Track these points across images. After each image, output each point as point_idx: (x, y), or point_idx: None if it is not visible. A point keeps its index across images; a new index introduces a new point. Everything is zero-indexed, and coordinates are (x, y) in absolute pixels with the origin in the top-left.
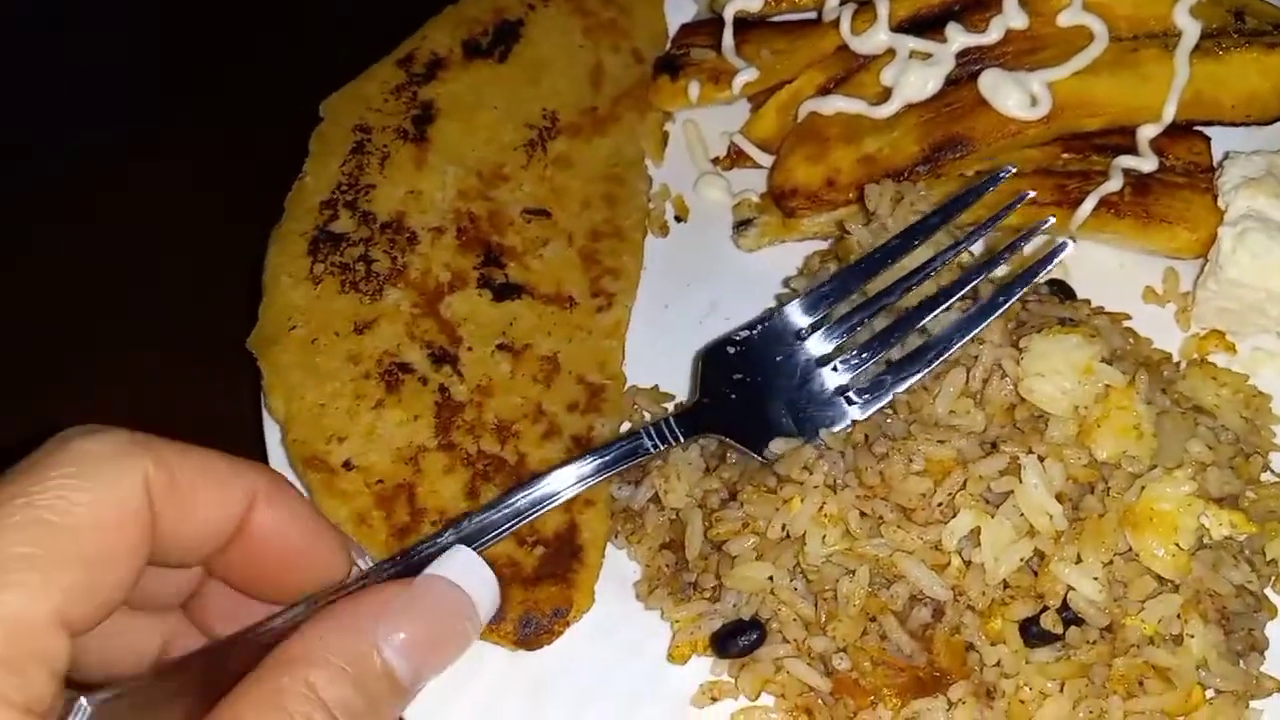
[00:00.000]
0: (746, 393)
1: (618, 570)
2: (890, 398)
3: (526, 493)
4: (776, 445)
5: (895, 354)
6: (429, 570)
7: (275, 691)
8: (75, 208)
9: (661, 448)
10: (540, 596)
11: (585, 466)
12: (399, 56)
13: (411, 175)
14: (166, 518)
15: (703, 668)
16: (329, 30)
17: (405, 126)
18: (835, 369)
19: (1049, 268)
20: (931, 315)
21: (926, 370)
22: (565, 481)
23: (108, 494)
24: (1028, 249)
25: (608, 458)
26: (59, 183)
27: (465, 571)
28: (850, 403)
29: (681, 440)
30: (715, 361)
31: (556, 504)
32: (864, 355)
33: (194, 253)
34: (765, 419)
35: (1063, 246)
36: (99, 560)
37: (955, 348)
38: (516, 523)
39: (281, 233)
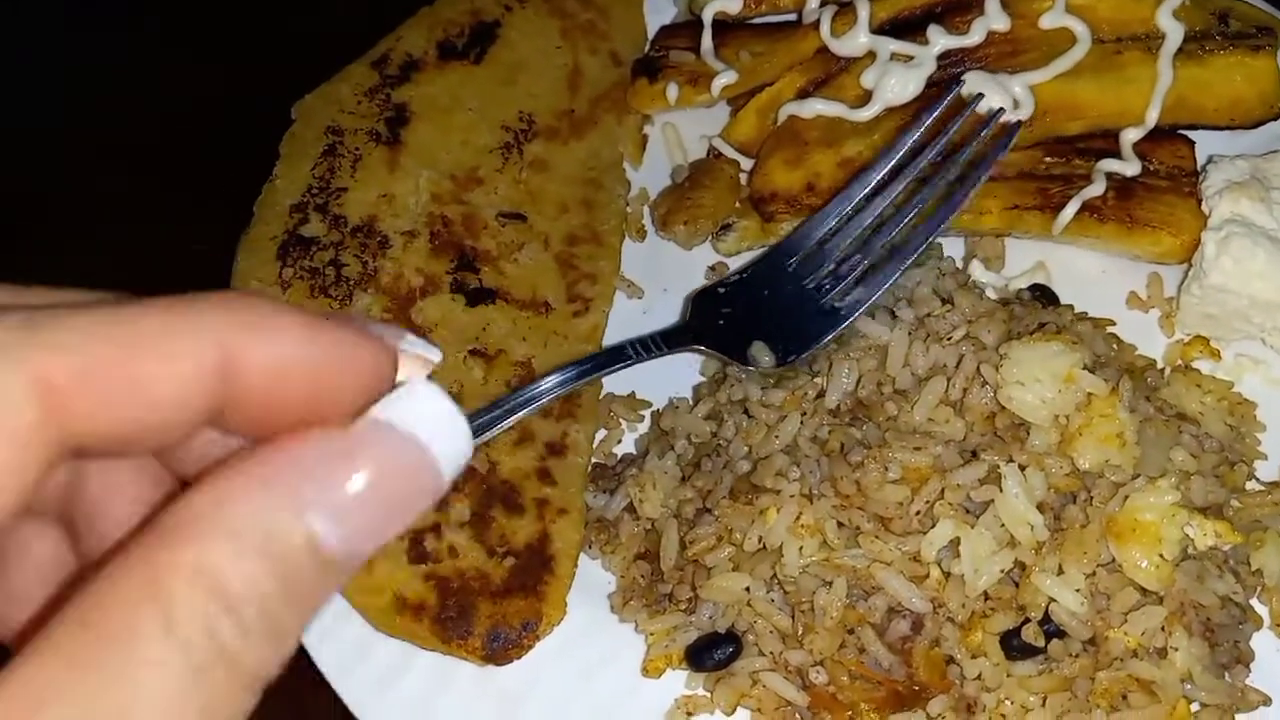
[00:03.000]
0: (734, 318)
1: (591, 581)
2: (873, 299)
3: (509, 398)
4: (757, 349)
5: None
6: (374, 411)
7: (147, 579)
8: (40, 209)
9: (644, 357)
10: (509, 609)
11: (568, 371)
12: (373, 58)
13: (384, 178)
14: (83, 416)
15: (678, 681)
16: (302, 31)
17: (378, 129)
18: (820, 290)
19: (1005, 150)
20: (905, 221)
21: (904, 265)
22: (548, 384)
23: None
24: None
25: (589, 365)
26: (25, 183)
27: (423, 412)
28: (833, 316)
29: (664, 350)
30: (704, 299)
31: (538, 407)
32: (843, 272)
33: (162, 256)
34: (748, 334)
35: (1016, 126)
36: None
37: (926, 241)
38: (498, 424)
39: (251, 237)
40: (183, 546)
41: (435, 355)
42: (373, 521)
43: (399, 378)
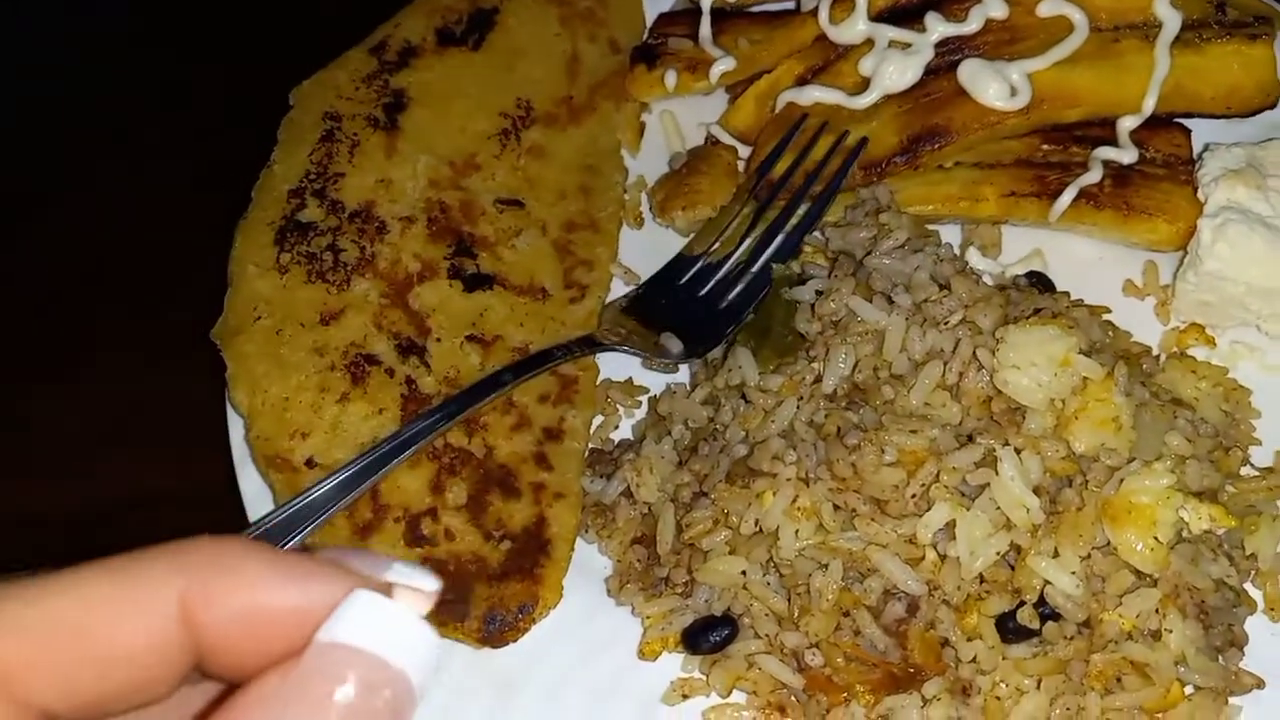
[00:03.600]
0: (642, 322)
1: (588, 565)
2: (761, 295)
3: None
4: (665, 338)
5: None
6: (319, 635)
7: None
8: (42, 193)
9: (562, 359)
10: (506, 593)
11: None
12: (371, 44)
13: (382, 164)
14: (45, 690)
15: (674, 664)
16: (300, 16)
17: (376, 114)
18: (711, 295)
19: (852, 165)
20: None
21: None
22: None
23: None
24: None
25: (509, 374)
26: (27, 169)
27: (368, 624)
28: (729, 314)
29: (584, 352)
30: (611, 308)
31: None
32: (731, 278)
33: (161, 242)
34: (657, 331)
35: (861, 145)
36: None
37: (797, 244)
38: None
39: (249, 222)
40: None
41: (430, 584)
42: None
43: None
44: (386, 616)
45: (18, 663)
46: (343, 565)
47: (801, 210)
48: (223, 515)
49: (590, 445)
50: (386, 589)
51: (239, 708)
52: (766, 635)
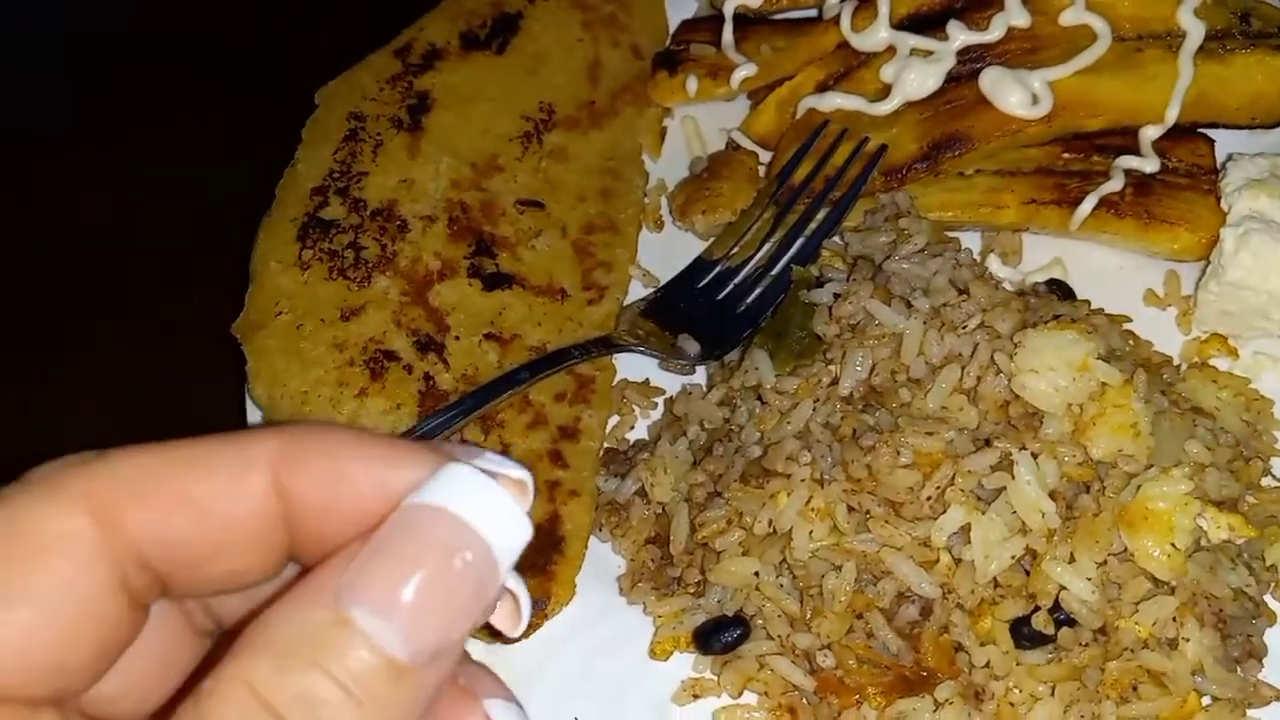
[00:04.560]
0: (660, 324)
1: (601, 563)
2: (778, 300)
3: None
4: (683, 340)
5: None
6: (407, 500)
7: (194, 706)
8: (67, 191)
9: (580, 358)
10: None
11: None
12: (396, 46)
13: (404, 164)
14: (140, 533)
15: (685, 664)
16: (327, 19)
17: (400, 115)
18: (729, 299)
19: (872, 171)
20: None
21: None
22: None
23: (48, 619)
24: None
25: (525, 371)
26: (51, 166)
27: (458, 492)
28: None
29: (602, 352)
30: (630, 310)
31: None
32: (749, 284)
33: (185, 238)
34: (674, 333)
35: (881, 152)
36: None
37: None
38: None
39: (272, 219)
40: (231, 670)
41: (521, 473)
42: (424, 611)
43: None
44: (475, 486)
45: (116, 500)
46: (435, 447)
47: (821, 215)
48: None
49: (605, 445)
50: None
51: (323, 569)
52: (778, 636)
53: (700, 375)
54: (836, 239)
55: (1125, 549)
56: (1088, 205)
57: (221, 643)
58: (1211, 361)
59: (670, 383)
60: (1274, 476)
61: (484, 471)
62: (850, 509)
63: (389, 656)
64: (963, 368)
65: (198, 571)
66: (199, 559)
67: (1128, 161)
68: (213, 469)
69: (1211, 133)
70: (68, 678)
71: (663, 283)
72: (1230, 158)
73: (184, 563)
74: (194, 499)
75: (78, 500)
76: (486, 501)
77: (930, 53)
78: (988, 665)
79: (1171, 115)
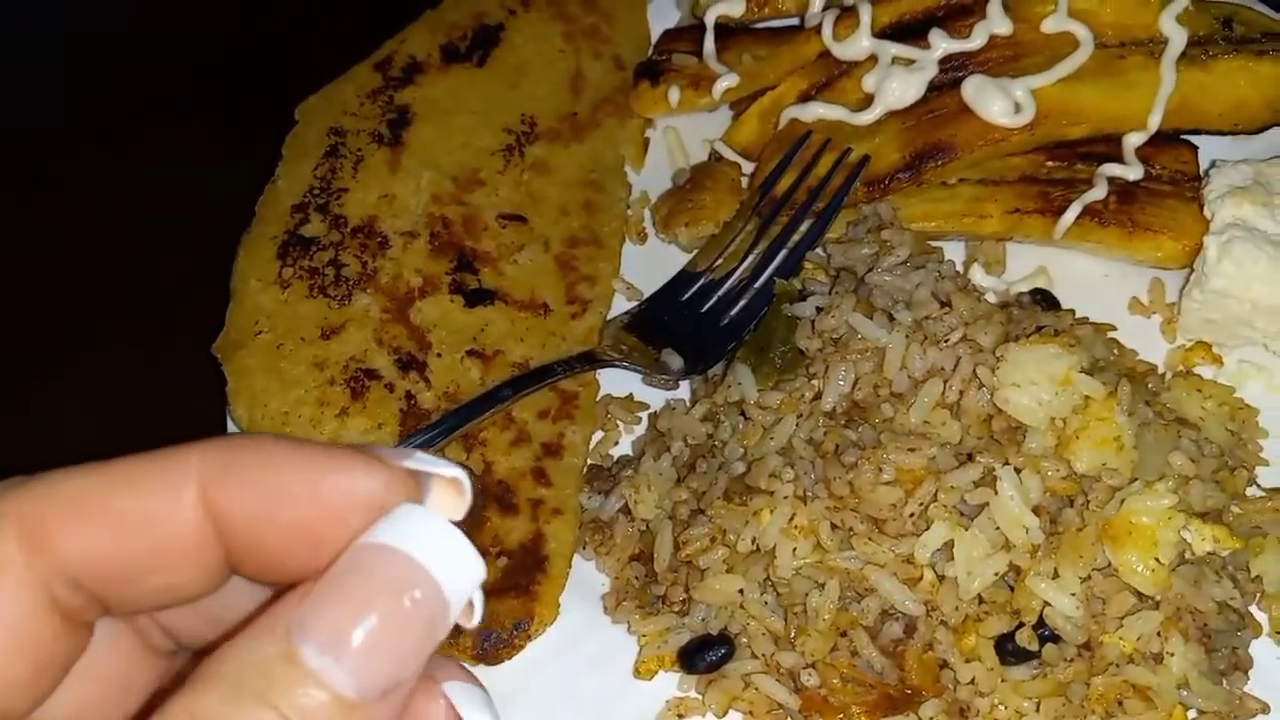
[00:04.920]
0: (643, 338)
1: (585, 582)
2: (761, 313)
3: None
4: (667, 355)
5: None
6: (360, 539)
7: None
8: (66, 192)
9: (562, 374)
10: (501, 609)
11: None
12: (377, 60)
13: (385, 179)
14: (70, 551)
15: (670, 683)
16: (306, 33)
17: (380, 130)
18: (712, 312)
19: (854, 182)
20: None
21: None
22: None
23: None
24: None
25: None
26: (28, 181)
27: (410, 531)
28: (730, 331)
29: (585, 367)
30: (613, 324)
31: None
32: (732, 296)
33: (164, 256)
34: (658, 347)
35: (863, 162)
36: None
37: (798, 261)
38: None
39: (251, 237)
40: (174, 699)
41: (454, 471)
42: (371, 647)
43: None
44: (426, 525)
45: (43, 522)
46: (365, 450)
47: (804, 227)
48: None
49: (590, 461)
50: (411, 478)
51: (278, 604)
52: (763, 655)
53: (685, 391)
54: (819, 251)
55: (1109, 564)
56: (1071, 214)
57: (193, 664)
58: (1196, 369)
59: (655, 398)
60: (1259, 486)
61: (420, 472)
62: (833, 526)
63: (338, 694)
64: (945, 382)
65: (133, 587)
66: (132, 575)
67: (1111, 169)
68: (141, 486)
69: (1194, 139)
70: (6, 697)
71: (646, 296)
72: (1213, 164)
73: (118, 580)
74: (122, 516)
75: (2, 524)
76: (438, 541)
77: (912, 61)
78: (972, 682)
79: (1154, 122)
